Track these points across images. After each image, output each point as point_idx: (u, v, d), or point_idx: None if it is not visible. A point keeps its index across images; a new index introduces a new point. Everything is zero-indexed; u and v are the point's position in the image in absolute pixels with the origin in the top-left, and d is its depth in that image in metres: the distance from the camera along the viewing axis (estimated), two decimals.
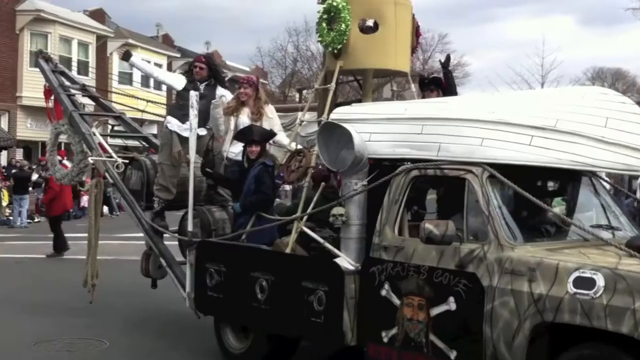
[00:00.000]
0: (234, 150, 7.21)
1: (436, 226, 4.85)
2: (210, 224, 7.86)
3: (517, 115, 5.09)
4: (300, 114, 7.41)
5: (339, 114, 6.39)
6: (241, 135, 6.84)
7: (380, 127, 5.83)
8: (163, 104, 14.12)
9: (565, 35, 76.96)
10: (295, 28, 47.88)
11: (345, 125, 5.79)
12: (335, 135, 5.92)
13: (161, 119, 9.34)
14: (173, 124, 8.10)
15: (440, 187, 5.80)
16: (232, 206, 6.72)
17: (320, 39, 6.65)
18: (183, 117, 8.06)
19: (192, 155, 7.22)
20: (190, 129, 7.24)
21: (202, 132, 8.19)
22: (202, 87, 8.18)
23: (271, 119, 7.20)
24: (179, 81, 8.29)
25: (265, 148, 6.76)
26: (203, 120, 8.18)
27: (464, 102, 5.83)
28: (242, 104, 7.24)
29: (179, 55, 38.51)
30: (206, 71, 8.20)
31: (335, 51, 6.57)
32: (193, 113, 7.25)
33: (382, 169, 5.80)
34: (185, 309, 7.29)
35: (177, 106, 8.19)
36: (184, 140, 8.06)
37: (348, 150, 5.91)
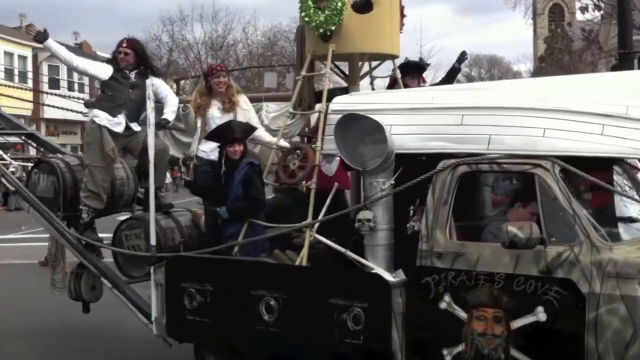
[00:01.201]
0: (205, 148, 6.21)
1: (520, 229, 4.31)
2: (158, 235, 6.77)
3: (581, 103, 4.68)
4: (265, 104, 6.57)
5: (341, 104, 5.67)
6: (218, 134, 5.86)
7: (403, 119, 5.20)
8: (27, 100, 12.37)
9: (443, 24, 79.26)
10: (169, 17, 45.75)
11: (372, 116, 5.08)
12: (352, 129, 5.19)
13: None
14: (102, 117, 6.88)
15: (495, 183, 5.26)
16: (217, 212, 5.75)
17: (307, 19, 5.85)
18: (113, 110, 6.90)
19: (152, 153, 6.10)
20: (148, 124, 6.11)
21: (137, 127, 7.06)
22: (132, 75, 7.04)
23: (246, 110, 6.28)
24: (103, 70, 7.05)
25: (247, 146, 5.85)
26: (136, 114, 7.07)
27: (503, 89, 5.34)
28: (210, 97, 6.24)
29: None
30: (133, 57, 7.06)
31: (329, 33, 5.80)
32: (150, 105, 6.14)
33: (406, 165, 5.17)
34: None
35: (105, 98, 6.96)
36: (117, 137, 6.90)
37: (367, 146, 5.22)
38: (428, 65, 6.73)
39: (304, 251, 5.32)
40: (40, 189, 7.53)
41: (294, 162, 5.57)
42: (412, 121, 5.16)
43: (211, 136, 5.91)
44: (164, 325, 5.90)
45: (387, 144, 5.02)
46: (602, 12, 17.31)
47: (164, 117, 7.03)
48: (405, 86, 6.50)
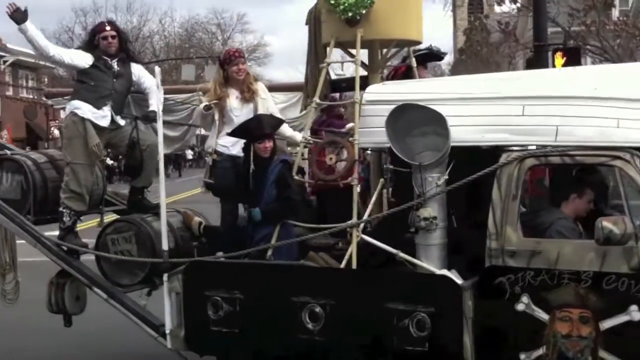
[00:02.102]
0: (224, 142, 5.62)
1: (615, 224, 4.09)
2: (152, 238, 6.15)
3: None
4: (271, 94, 6.06)
5: (376, 93, 5.30)
6: (245, 130, 5.31)
7: (456, 109, 4.87)
8: None
9: None
10: (82, 8, 44.97)
11: (431, 106, 4.72)
12: (401, 121, 4.82)
13: None
14: (85, 110, 6.15)
15: (566, 176, 5.00)
16: (250, 212, 5.21)
17: (332, 2, 5.40)
18: (98, 102, 6.21)
19: (161, 149, 5.47)
20: (157, 116, 5.46)
21: (122, 121, 6.39)
22: (114, 63, 6.35)
23: (264, 99, 5.72)
24: (82, 58, 6.29)
25: (276, 141, 5.34)
26: (120, 107, 6.41)
27: (553, 78, 5.10)
28: (228, 86, 5.66)
29: None
30: (117, 42, 6.37)
31: (358, 17, 5.39)
32: (157, 97, 5.54)
33: (458, 159, 4.86)
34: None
35: (87, 88, 6.21)
36: (101, 131, 6.21)
37: (414, 138, 4.87)
38: (445, 54, 6.44)
39: (351, 253, 4.90)
40: (4, 189, 6.68)
41: (330, 156, 5.12)
42: (466, 112, 4.85)
43: (238, 132, 5.35)
44: (181, 338, 5.32)
45: (446, 137, 4.69)
46: (518, 4, 17.65)
47: (151, 109, 6.38)
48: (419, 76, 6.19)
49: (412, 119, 4.82)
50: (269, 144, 5.23)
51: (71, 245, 6.14)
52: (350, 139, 5.18)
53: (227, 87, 5.64)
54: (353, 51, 5.74)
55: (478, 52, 30.02)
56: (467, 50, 32.24)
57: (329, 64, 5.56)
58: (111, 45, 6.31)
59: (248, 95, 5.60)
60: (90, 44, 6.39)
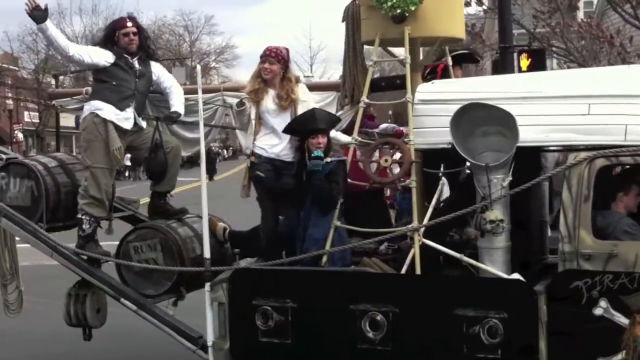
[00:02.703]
0: (263, 143, 5.36)
1: None
2: (179, 245, 5.85)
3: None
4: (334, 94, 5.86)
5: (429, 92, 5.13)
6: (298, 124, 5.08)
7: (516, 109, 4.72)
8: None
9: (335, 17, 78.54)
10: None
11: (500, 106, 4.58)
12: (463, 120, 4.67)
13: None
14: (107, 111, 5.81)
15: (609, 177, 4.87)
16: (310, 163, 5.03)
17: None
18: (121, 103, 5.88)
19: (203, 152, 5.20)
20: (199, 116, 5.17)
21: (143, 123, 6.07)
22: (135, 62, 6.04)
23: (305, 102, 5.48)
24: (103, 56, 5.93)
25: (330, 140, 5.11)
26: (142, 108, 6.10)
27: (619, 76, 5.01)
28: (265, 83, 5.40)
29: None
30: (138, 40, 6.06)
31: (407, 13, 5.21)
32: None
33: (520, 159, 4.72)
34: None
35: (110, 88, 5.87)
36: (123, 134, 5.88)
37: (475, 139, 4.73)
38: (481, 58, 6.33)
39: (414, 255, 4.71)
40: (12, 196, 6.29)
41: (385, 158, 4.92)
42: (529, 111, 4.72)
43: (291, 127, 5.12)
44: (226, 351, 5.03)
45: (512, 136, 4.55)
46: (484, 6, 17.78)
47: (174, 109, 6.08)
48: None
49: (475, 119, 4.67)
50: (322, 140, 5.01)
51: (93, 254, 5.80)
52: (405, 139, 4.99)
53: (264, 84, 5.39)
54: (393, 49, 5.55)
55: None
56: (435, 51, 32.36)
57: (375, 63, 5.35)
58: (132, 43, 5.99)
59: (285, 104, 5.35)
60: (109, 40, 6.03)
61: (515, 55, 11.73)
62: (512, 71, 10.53)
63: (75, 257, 5.84)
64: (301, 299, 4.80)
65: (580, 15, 18.89)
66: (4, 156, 6.97)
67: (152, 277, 5.87)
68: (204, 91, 6.71)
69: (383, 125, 6.10)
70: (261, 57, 5.45)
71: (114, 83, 5.88)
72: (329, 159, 5.00)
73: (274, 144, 5.33)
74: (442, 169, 4.93)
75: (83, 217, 5.86)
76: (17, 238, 6.50)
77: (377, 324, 4.61)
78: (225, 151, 62.12)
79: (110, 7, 67.90)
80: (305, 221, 5.03)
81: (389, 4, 5.18)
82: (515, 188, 4.59)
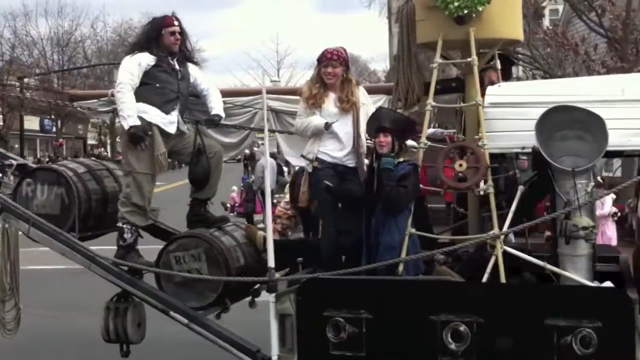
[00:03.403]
0: (325, 148, 5.13)
1: None
2: (225, 255, 5.59)
3: None
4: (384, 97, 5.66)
5: (499, 95, 5.00)
6: (367, 124, 4.89)
7: (597, 112, 4.62)
8: None
9: (302, 21, 78.50)
10: (12, 12, 42.74)
11: (590, 109, 4.46)
12: (545, 124, 4.54)
13: None
14: (152, 114, 5.54)
15: None
16: (382, 161, 4.82)
17: None
18: (165, 106, 5.62)
19: (267, 158, 4.94)
20: (264, 118, 4.91)
21: (184, 127, 5.80)
22: (175, 63, 5.77)
23: (365, 105, 5.28)
24: (141, 65, 5.60)
25: (401, 142, 4.90)
26: (184, 111, 5.82)
27: None
28: (326, 87, 5.18)
29: None
30: (180, 40, 5.79)
31: (474, 14, 5.07)
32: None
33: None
34: None
35: (153, 90, 5.57)
36: (166, 138, 5.61)
37: (554, 143, 4.60)
38: (518, 63, 6.22)
39: (496, 264, 4.55)
40: (39, 203, 5.96)
41: (459, 163, 4.76)
42: (610, 115, 4.61)
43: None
44: None
45: (601, 140, 4.44)
46: None
47: (215, 112, 5.82)
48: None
49: (555, 122, 4.55)
50: (384, 139, 4.84)
51: (137, 265, 5.48)
52: (479, 143, 4.83)
53: (325, 89, 5.17)
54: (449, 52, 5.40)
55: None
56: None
57: (439, 64, 5.19)
58: (177, 42, 5.72)
59: (347, 106, 5.15)
60: (152, 39, 5.71)
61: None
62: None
63: (116, 268, 5.52)
64: (377, 310, 4.58)
65: (546, 22, 19.05)
66: (13, 162, 6.65)
67: (196, 289, 5.58)
68: (243, 93, 6.50)
69: (430, 130, 5.94)
70: (321, 61, 5.24)
71: (157, 85, 5.60)
72: (401, 159, 4.80)
73: (337, 149, 5.12)
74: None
75: (124, 225, 5.55)
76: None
77: (460, 335, 4.43)
78: None
79: (76, 9, 67.41)
80: (376, 228, 4.82)
81: (456, 4, 5.04)
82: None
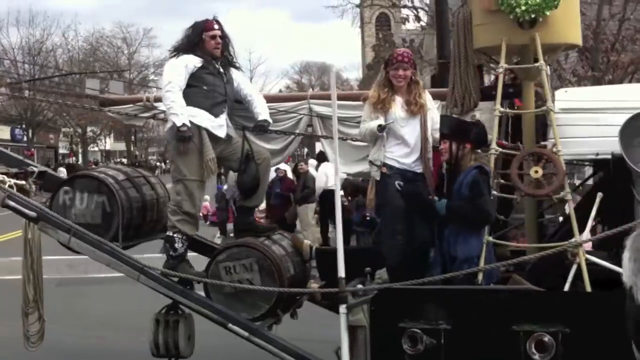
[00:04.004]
0: (393, 154, 4.97)
1: None
2: (278, 265, 5.41)
3: None
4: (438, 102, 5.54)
5: (568, 101, 4.92)
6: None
7: None
8: None
9: (278, 30, 78.29)
10: None
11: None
12: (627, 130, 4.47)
13: None
14: (202, 118, 5.35)
15: None
16: (434, 202, 4.70)
17: (513, 3, 4.96)
18: (214, 109, 5.44)
19: (337, 161, 4.77)
20: (333, 123, 4.73)
21: (234, 132, 5.62)
22: (219, 67, 5.60)
23: (430, 109, 5.15)
24: (188, 67, 5.42)
25: (459, 147, 4.77)
26: (232, 114, 5.65)
27: None
28: (393, 91, 5.04)
29: None
30: (221, 45, 5.62)
31: (541, 19, 4.98)
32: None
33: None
34: None
35: (201, 93, 5.39)
36: (215, 143, 5.42)
37: (634, 149, 4.54)
38: None
39: (580, 273, 4.45)
40: (78, 212, 5.70)
41: (535, 169, 4.65)
42: None
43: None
44: None
45: None
46: (422, 23, 17.87)
47: (262, 118, 5.65)
48: None
49: (635, 128, 4.49)
50: (443, 146, 4.74)
51: (190, 276, 5.28)
52: (554, 149, 4.74)
53: (392, 92, 5.03)
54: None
55: None
56: (375, 66, 32.55)
57: (505, 69, 5.08)
58: (219, 46, 5.55)
59: (415, 109, 5.02)
60: (194, 42, 5.53)
61: None
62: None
63: (167, 279, 5.30)
64: (456, 321, 4.45)
65: None
66: (35, 169, 6.41)
67: (247, 300, 5.40)
68: (288, 99, 6.34)
69: None
70: (391, 63, 5.09)
71: (204, 88, 5.41)
72: (471, 163, 4.69)
73: (405, 155, 4.98)
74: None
75: (175, 235, 5.34)
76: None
77: (544, 345, 4.31)
78: (163, 164, 60.91)
79: (48, 18, 66.54)
80: (451, 237, 4.69)
81: (523, 8, 4.95)
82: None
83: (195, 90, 5.39)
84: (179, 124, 5.17)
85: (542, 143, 5.02)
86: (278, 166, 15.45)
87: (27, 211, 5.59)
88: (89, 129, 48.47)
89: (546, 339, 4.30)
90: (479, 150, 4.84)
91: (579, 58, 14.21)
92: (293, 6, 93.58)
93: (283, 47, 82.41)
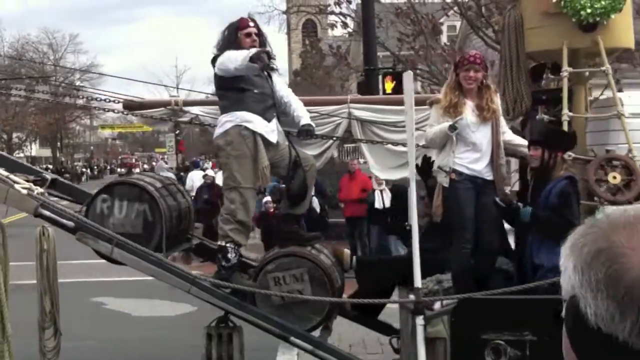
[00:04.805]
0: (462, 160, 4.83)
1: None
2: (330, 275, 5.24)
3: None
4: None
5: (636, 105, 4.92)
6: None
7: None
8: None
9: (204, 37, 77.14)
10: None
11: None
12: None
13: None
14: (257, 123, 5.10)
15: None
16: (519, 209, 4.60)
17: (577, 5, 4.92)
18: (266, 113, 5.21)
19: (412, 169, 4.60)
20: (408, 130, 4.55)
21: (282, 137, 5.38)
22: None
23: (502, 116, 5.02)
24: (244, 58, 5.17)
25: (551, 154, 4.67)
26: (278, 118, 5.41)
27: None
28: (462, 95, 4.88)
29: None
30: (258, 43, 5.37)
31: (605, 22, 4.95)
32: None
33: None
34: None
35: (253, 97, 5.14)
36: (266, 148, 5.18)
37: None
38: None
39: None
40: (116, 222, 5.39)
41: (613, 175, 4.61)
42: None
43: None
44: None
45: None
46: (349, 29, 17.89)
47: (305, 122, 5.39)
48: None
49: None
50: (534, 152, 4.64)
51: (245, 287, 5.04)
52: (630, 155, 4.71)
53: (462, 96, 4.88)
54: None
55: (312, 75, 30.13)
56: (302, 72, 32.41)
57: (570, 73, 5.03)
58: (255, 44, 5.23)
59: (488, 115, 4.86)
60: (231, 43, 5.25)
61: (380, 77, 11.92)
62: (377, 93, 10.66)
63: (222, 292, 5.06)
64: (542, 331, 4.38)
65: (444, 39, 19.30)
66: (48, 177, 6.08)
67: (296, 312, 5.20)
68: (327, 103, 6.16)
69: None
70: (461, 64, 4.91)
71: (255, 91, 5.17)
72: (561, 172, 4.60)
73: (475, 161, 4.85)
74: None
75: (228, 245, 5.09)
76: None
77: None
78: (89, 170, 59.66)
79: None
80: (533, 247, 4.61)
81: (588, 11, 4.90)
82: None
83: (248, 95, 5.14)
84: (249, 55, 4.83)
85: (606, 148, 4.99)
86: (206, 172, 15.24)
87: (64, 221, 5.24)
88: (14, 134, 47.14)
89: None
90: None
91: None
92: (220, 13, 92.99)
93: (208, 53, 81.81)
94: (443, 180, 4.84)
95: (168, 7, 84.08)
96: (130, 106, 6.24)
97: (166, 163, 20.57)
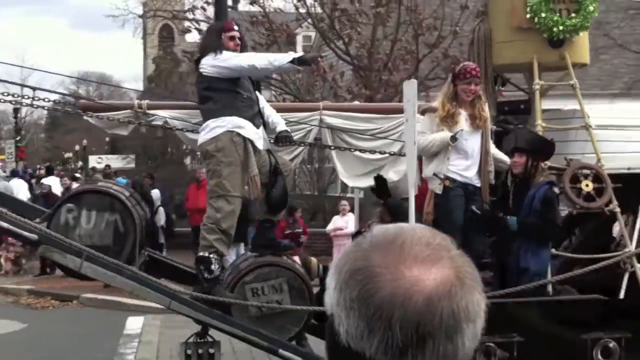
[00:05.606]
0: (455, 167, 4.95)
1: None
2: (309, 285, 5.24)
3: None
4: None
5: (604, 118, 5.25)
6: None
7: None
8: None
9: (54, 38, 73.25)
10: None
11: None
12: None
13: None
14: (248, 129, 5.01)
15: None
16: (506, 220, 4.76)
17: (549, 22, 5.16)
18: (255, 119, 5.17)
19: (412, 178, 4.66)
20: (406, 138, 4.60)
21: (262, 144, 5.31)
22: None
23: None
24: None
25: (534, 162, 4.88)
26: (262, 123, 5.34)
27: None
28: (457, 104, 5.01)
29: None
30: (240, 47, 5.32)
31: (574, 39, 5.24)
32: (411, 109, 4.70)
33: None
34: None
35: (243, 101, 5.05)
36: (256, 156, 5.10)
37: None
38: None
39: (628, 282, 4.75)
40: (84, 233, 5.14)
41: (586, 183, 4.89)
42: None
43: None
44: None
45: None
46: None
47: (283, 129, 5.36)
48: None
49: None
50: (518, 159, 4.85)
51: (230, 300, 4.94)
52: (599, 164, 5.00)
53: (457, 106, 5.03)
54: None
55: (167, 81, 29.77)
56: (156, 78, 31.79)
57: (542, 86, 5.28)
58: (237, 48, 5.18)
59: (480, 123, 5.03)
60: (216, 44, 5.15)
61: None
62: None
63: (205, 306, 4.92)
64: (527, 332, 4.59)
65: (299, 49, 19.54)
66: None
67: (276, 323, 5.15)
68: (299, 109, 6.15)
69: None
70: (463, 77, 5.02)
71: (244, 96, 5.07)
72: (541, 179, 4.83)
73: (466, 168, 5.00)
74: None
75: (211, 255, 4.95)
76: None
77: (609, 351, 4.58)
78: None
79: None
80: (519, 250, 4.81)
81: (560, 28, 5.16)
82: None
83: (239, 99, 5.02)
84: (296, 55, 4.91)
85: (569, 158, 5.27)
86: (42, 181, 14.62)
87: (25, 233, 4.94)
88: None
89: (611, 345, 4.57)
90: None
91: (354, 76, 14.36)
92: (71, 14, 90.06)
93: (60, 56, 79.30)
94: (436, 187, 4.95)
95: (20, 7, 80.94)
96: (88, 107, 5.97)
97: (4, 172, 18.87)
